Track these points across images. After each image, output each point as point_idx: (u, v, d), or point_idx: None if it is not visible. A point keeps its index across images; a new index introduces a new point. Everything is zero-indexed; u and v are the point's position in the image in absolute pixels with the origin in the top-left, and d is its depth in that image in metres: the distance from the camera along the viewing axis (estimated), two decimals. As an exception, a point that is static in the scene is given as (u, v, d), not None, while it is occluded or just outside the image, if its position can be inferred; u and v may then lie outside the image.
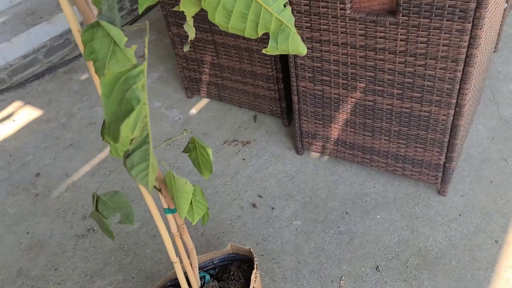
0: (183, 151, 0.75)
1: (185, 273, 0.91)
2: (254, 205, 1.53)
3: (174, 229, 0.81)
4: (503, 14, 1.80)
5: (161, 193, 0.75)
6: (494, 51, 1.94)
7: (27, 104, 2.16)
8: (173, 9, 0.59)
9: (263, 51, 0.61)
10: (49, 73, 2.35)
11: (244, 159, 1.70)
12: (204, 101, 2.01)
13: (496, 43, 1.89)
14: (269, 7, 0.57)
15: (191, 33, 0.61)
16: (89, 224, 1.55)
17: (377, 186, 1.52)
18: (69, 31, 2.48)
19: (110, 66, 0.54)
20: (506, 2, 1.78)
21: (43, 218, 1.59)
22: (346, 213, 1.45)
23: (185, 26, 0.61)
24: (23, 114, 2.10)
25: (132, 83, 0.45)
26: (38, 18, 2.41)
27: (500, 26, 1.81)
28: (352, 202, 1.48)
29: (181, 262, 0.88)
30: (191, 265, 0.88)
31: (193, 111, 1.97)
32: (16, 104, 2.17)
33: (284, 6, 0.58)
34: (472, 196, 1.44)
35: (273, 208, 1.50)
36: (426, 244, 1.33)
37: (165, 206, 0.78)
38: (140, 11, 0.54)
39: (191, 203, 0.75)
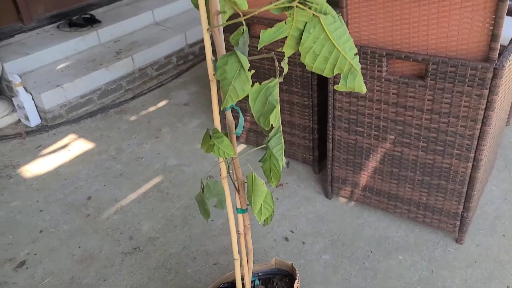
0: (259, 161, 0.94)
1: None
2: (286, 239, 1.68)
3: (241, 228, 0.98)
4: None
5: (238, 193, 0.93)
6: (507, 125, 2.16)
7: (81, 137, 2.40)
8: (278, 50, 0.80)
9: (335, 87, 0.82)
10: (101, 112, 2.62)
11: (277, 199, 1.88)
12: (242, 145, 2.22)
13: (508, 116, 2.12)
14: (345, 54, 0.79)
15: (286, 68, 0.84)
16: (135, 243, 1.71)
17: (399, 231, 1.67)
18: (122, 78, 2.78)
19: (235, 84, 0.75)
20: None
21: (94, 235, 1.76)
22: (371, 252, 1.60)
23: (282, 63, 0.84)
24: (77, 146, 2.33)
25: (272, 90, 0.67)
26: (98, 65, 2.72)
27: None
28: (376, 243, 1.63)
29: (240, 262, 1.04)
30: (247, 265, 1.04)
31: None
32: (71, 136, 2.42)
33: (355, 55, 0.81)
34: (487, 247, 1.59)
35: (303, 243, 1.66)
36: (445, 285, 1.46)
37: (238, 206, 0.96)
38: (259, 47, 0.77)
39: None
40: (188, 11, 3.37)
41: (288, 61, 0.81)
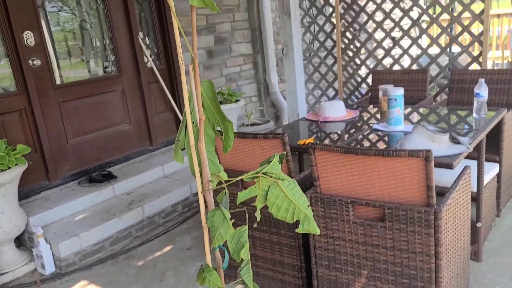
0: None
1: None
2: None
3: None
4: (478, 232, 2.30)
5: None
6: (478, 261, 2.37)
7: (91, 283, 2.59)
8: (252, 204, 1.11)
9: (296, 230, 1.12)
10: (111, 258, 2.86)
11: (271, 337, 2.00)
12: (240, 286, 2.40)
13: (478, 253, 2.34)
14: (300, 206, 1.11)
15: (258, 217, 1.14)
16: None
17: None
18: (132, 226, 3.08)
19: (220, 229, 1.06)
20: (479, 222, 2.32)
21: None
22: None
23: (256, 214, 1.15)
24: (87, 291, 2.52)
25: (243, 233, 0.97)
26: (112, 215, 3.06)
27: (474, 238, 2.29)
28: None
29: None
30: None
31: (230, 295, 2.35)
32: (83, 283, 2.61)
33: (308, 206, 1.13)
34: None
35: None
36: None
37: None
38: (237, 203, 1.10)
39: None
40: (193, 166, 3.84)
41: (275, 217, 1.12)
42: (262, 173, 1.07)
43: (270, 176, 1.08)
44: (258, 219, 1.15)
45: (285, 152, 1.15)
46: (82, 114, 3.48)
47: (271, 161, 1.08)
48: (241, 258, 0.96)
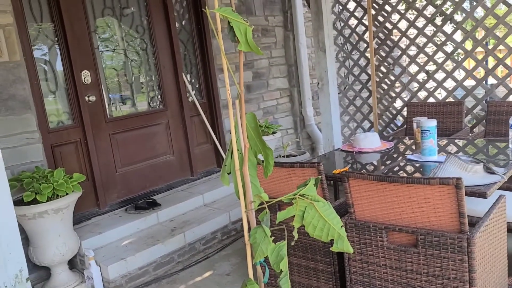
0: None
1: None
2: None
3: None
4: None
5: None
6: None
7: (136, 304, 2.74)
8: (290, 223, 1.23)
9: (331, 248, 1.23)
10: (155, 282, 3.00)
11: None
12: (276, 313, 2.47)
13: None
14: (334, 226, 1.22)
15: (296, 236, 1.26)
16: None
17: None
18: (174, 252, 3.23)
19: (261, 245, 1.18)
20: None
21: None
22: None
23: (293, 233, 1.27)
24: (132, 312, 2.65)
25: (282, 247, 1.09)
26: (156, 241, 3.22)
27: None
28: None
29: None
30: None
31: (267, 320, 2.42)
32: (128, 303, 2.76)
33: (341, 226, 1.24)
34: None
35: None
36: None
37: None
38: (277, 222, 1.22)
39: None
40: (231, 195, 3.99)
41: (311, 236, 1.24)
42: (299, 195, 1.19)
43: (307, 198, 1.20)
44: (296, 237, 1.27)
45: (320, 177, 1.27)
46: (130, 145, 3.74)
47: (307, 184, 1.21)
48: (281, 270, 1.08)
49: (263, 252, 1.17)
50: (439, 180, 1.62)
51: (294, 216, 1.21)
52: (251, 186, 1.25)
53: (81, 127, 3.40)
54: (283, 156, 4.71)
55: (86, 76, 3.41)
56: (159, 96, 3.99)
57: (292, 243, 1.25)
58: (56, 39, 3.26)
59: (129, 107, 3.82)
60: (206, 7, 1.06)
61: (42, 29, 3.21)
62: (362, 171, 2.50)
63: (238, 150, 1.25)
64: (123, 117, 3.71)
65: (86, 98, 3.42)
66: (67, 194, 2.73)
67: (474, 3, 3.47)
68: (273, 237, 1.19)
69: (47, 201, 2.63)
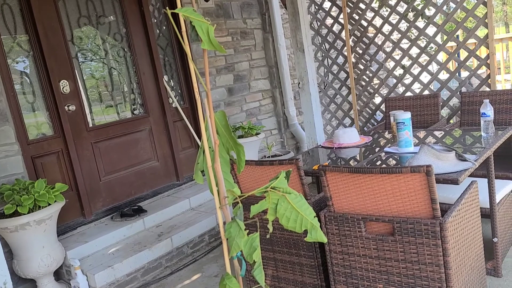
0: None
1: None
2: None
3: None
4: (495, 247, 2.35)
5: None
6: (498, 276, 2.39)
7: (124, 311, 2.74)
8: (264, 217, 1.27)
9: (305, 239, 1.26)
10: (143, 287, 3.01)
11: None
12: None
13: (496, 269, 2.37)
14: (307, 217, 1.25)
15: (271, 229, 1.29)
16: None
17: None
18: (162, 257, 3.24)
19: (236, 239, 1.21)
20: (495, 237, 2.36)
21: None
22: None
23: (268, 225, 1.30)
24: (121, 318, 2.65)
25: (255, 239, 1.12)
26: (143, 247, 3.23)
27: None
28: None
29: None
30: None
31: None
32: (116, 310, 2.76)
33: (314, 217, 1.27)
34: None
35: None
36: None
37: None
38: (250, 216, 1.25)
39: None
40: (218, 198, 4.00)
41: (293, 232, 1.27)
42: (271, 188, 1.22)
43: (279, 191, 1.23)
44: (271, 230, 1.30)
45: (290, 170, 1.31)
46: (113, 153, 3.74)
47: (278, 177, 1.24)
48: (254, 261, 1.11)
49: (238, 246, 1.19)
50: (410, 168, 1.67)
51: (267, 209, 1.24)
52: (224, 182, 1.28)
53: (62, 137, 3.39)
54: (268, 157, 4.74)
55: (64, 86, 3.40)
56: (141, 103, 4.00)
57: (267, 236, 1.28)
58: (31, 50, 3.26)
59: (110, 114, 3.82)
60: (167, 7, 1.09)
61: (16, 40, 3.20)
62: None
63: (209, 147, 1.28)
64: (104, 125, 3.70)
65: (66, 107, 3.42)
66: (49, 204, 2.72)
67: (444, -2, 3.56)
68: (247, 231, 1.22)
69: (28, 212, 2.62)
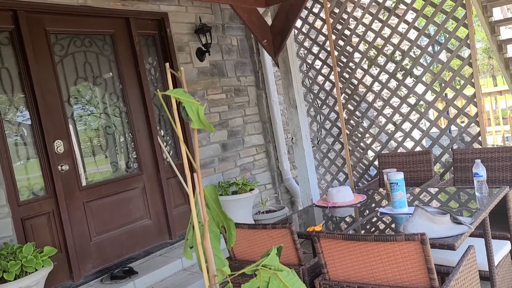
0: None
1: None
2: None
3: None
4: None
5: None
6: None
7: None
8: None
9: (298, 318, 1.21)
10: None
11: None
12: None
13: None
14: (299, 295, 1.21)
15: (262, 308, 1.24)
16: None
17: None
18: (152, 323, 3.10)
19: None
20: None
21: None
22: None
23: (259, 304, 1.25)
24: None
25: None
26: None
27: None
28: None
29: None
30: None
31: None
32: None
33: (307, 294, 1.23)
34: None
35: None
36: None
37: None
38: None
39: None
40: (211, 257, 3.91)
41: None
42: (262, 266, 1.19)
43: (270, 268, 1.20)
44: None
45: (282, 245, 1.28)
46: (105, 212, 3.68)
47: (269, 254, 1.21)
48: None
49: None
50: (405, 236, 1.64)
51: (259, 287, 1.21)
52: (215, 259, 1.25)
53: (54, 197, 3.35)
54: (263, 212, 4.69)
55: (59, 146, 3.41)
56: (135, 160, 4.00)
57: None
58: (27, 110, 3.29)
59: (103, 173, 3.81)
60: (158, 90, 1.11)
61: (13, 101, 3.24)
62: (339, 227, 2.52)
63: (199, 223, 1.26)
64: (97, 184, 3.68)
65: (59, 167, 3.40)
66: (36, 270, 2.64)
67: (430, 59, 3.69)
68: (238, 311, 1.17)
69: (15, 279, 2.54)
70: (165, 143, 4.25)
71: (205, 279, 1.22)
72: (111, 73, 3.88)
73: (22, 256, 2.61)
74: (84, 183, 3.60)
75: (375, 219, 2.49)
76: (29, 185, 3.28)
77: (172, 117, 1.12)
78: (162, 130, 4.24)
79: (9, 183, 3.08)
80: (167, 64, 1.12)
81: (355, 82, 4.28)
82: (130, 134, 3.97)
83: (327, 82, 4.54)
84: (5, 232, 2.97)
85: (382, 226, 2.35)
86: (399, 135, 4.10)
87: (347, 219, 2.65)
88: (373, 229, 2.34)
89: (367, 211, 2.67)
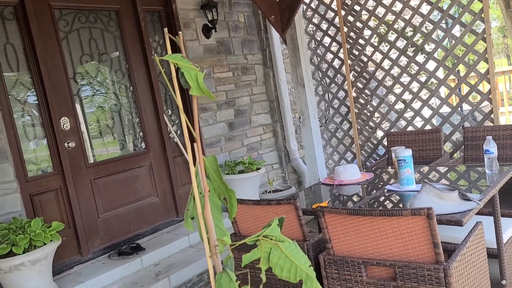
0: None
1: None
2: None
3: None
4: (505, 288, 2.25)
5: None
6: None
7: None
8: (257, 265, 1.21)
9: (300, 289, 1.20)
10: (139, 331, 2.89)
11: None
12: None
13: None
14: (301, 266, 1.20)
15: (264, 279, 1.23)
16: None
17: None
18: (159, 298, 3.14)
19: (227, 290, 1.15)
20: (503, 279, 2.27)
21: None
22: None
23: (261, 275, 1.24)
24: None
25: (242, 291, 1.06)
26: (140, 286, 3.14)
27: None
28: None
29: None
30: None
31: None
32: None
33: (309, 266, 1.21)
34: None
35: None
36: None
37: None
38: (242, 265, 1.19)
39: None
40: (218, 235, 3.92)
41: (280, 278, 1.22)
42: (263, 236, 1.18)
43: (271, 239, 1.18)
44: (264, 280, 1.24)
45: (284, 217, 1.26)
46: (112, 190, 3.70)
47: (271, 225, 1.19)
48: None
49: (229, 298, 1.14)
50: (411, 211, 1.61)
51: (260, 258, 1.19)
52: (216, 229, 1.23)
53: (61, 174, 3.37)
54: (269, 192, 4.68)
55: (65, 123, 3.41)
56: (141, 139, 3.99)
57: (260, 286, 1.22)
58: (33, 87, 3.28)
59: (110, 151, 3.81)
60: (155, 54, 1.07)
61: (18, 78, 3.23)
62: (345, 204, 2.49)
63: (200, 193, 1.24)
64: (104, 162, 3.68)
65: (66, 144, 3.41)
66: (45, 244, 2.66)
67: (443, 34, 3.59)
68: (239, 282, 1.16)
69: (23, 252, 2.57)
70: (172, 123, 4.23)
71: (205, 248, 1.21)
72: (116, 50, 3.85)
73: (30, 230, 2.63)
74: (91, 160, 3.61)
75: (382, 198, 2.46)
76: (36, 161, 3.29)
77: (171, 85, 1.09)
78: (169, 110, 4.22)
79: (16, 159, 3.09)
80: (166, 29, 1.09)
81: (365, 59, 4.19)
82: (136, 112, 3.95)
83: (336, 60, 4.46)
84: (14, 207, 3.00)
85: (389, 205, 2.32)
86: (409, 114, 4.03)
87: (354, 198, 2.62)
88: (380, 207, 2.31)
89: (374, 190, 2.64)
